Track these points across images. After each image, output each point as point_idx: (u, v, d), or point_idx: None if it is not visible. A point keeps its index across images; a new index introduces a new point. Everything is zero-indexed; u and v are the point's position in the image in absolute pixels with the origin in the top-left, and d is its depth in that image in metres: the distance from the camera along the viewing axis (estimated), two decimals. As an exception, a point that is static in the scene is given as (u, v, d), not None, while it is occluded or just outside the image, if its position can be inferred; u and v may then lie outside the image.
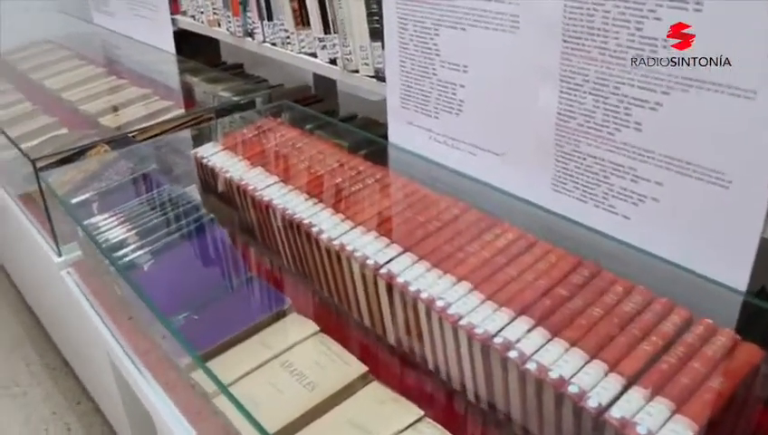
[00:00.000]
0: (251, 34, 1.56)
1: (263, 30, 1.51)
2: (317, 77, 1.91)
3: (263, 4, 1.47)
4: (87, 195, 1.31)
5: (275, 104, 1.50)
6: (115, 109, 1.86)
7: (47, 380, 2.15)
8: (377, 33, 1.19)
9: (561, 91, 0.93)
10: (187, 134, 1.57)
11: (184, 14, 1.88)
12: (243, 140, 1.33)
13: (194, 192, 1.32)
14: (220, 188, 1.23)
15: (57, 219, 1.32)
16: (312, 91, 1.79)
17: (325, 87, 1.91)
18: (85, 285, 1.28)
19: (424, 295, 0.86)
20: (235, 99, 1.69)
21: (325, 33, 1.31)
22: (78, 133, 1.70)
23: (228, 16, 1.60)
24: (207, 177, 1.28)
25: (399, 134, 1.22)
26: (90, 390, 2.01)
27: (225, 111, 1.62)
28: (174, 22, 1.93)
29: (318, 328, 1.01)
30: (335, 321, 1.03)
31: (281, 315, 1.05)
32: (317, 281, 1.07)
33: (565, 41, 0.90)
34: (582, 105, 0.91)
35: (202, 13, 1.74)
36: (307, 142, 1.28)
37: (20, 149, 1.38)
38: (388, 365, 0.96)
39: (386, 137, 1.32)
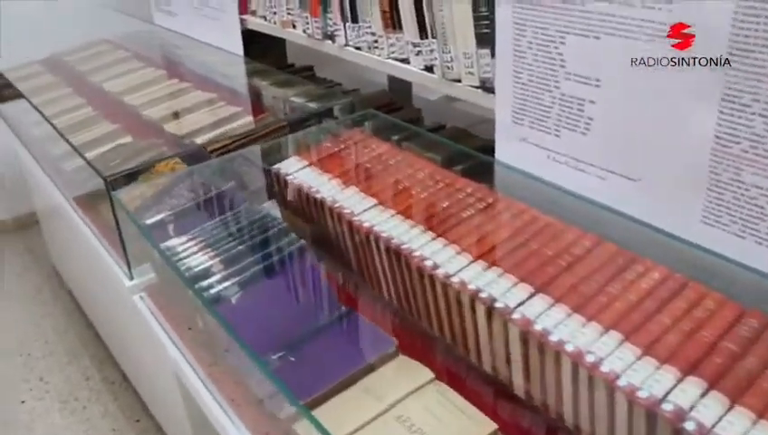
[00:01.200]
0: (331, 37, 1.46)
1: (345, 33, 1.40)
2: (391, 79, 1.80)
3: (347, 5, 1.36)
4: (161, 214, 1.22)
5: (360, 114, 1.38)
6: (179, 114, 1.77)
7: (106, 394, 2.08)
8: (485, 40, 1.08)
9: (722, 112, 0.81)
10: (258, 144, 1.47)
11: (253, 14, 1.78)
12: (328, 154, 1.23)
13: (274, 212, 1.22)
14: (307, 209, 1.13)
15: (126, 236, 1.23)
16: (389, 96, 1.68)
17: (400, 90, 1.81)
18: (159, 311, 1.19)
19: (569, 348, 0.75)
20: (311, 105, 1.58)
21: (421, 38, 1.20)
22: (143, 142, 1.62)
23: (305, 17, 1.50)
24: (291, 196, 1.17)
25: (510, 152, 1.11)
26: (151, 408, 1.93)
27: (301, 120, 1.52)
28: (242, 22, 1.82)
29: (432, 375, 0.90)
30: (451, 367, 0.93)
31: (386, 359, 0.94)
32: (426, 320, 0.96)
33: (732, 54, 0.78)
34: (750, 129, 0.79)
35: (275, 13, 1.63)
36: (401, 159, 1.17)
37: (92, 166, 1.30)
38: (517, 422, 0.85)
39: (483, 151, 1.22)
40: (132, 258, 1.25)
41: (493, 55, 1.08)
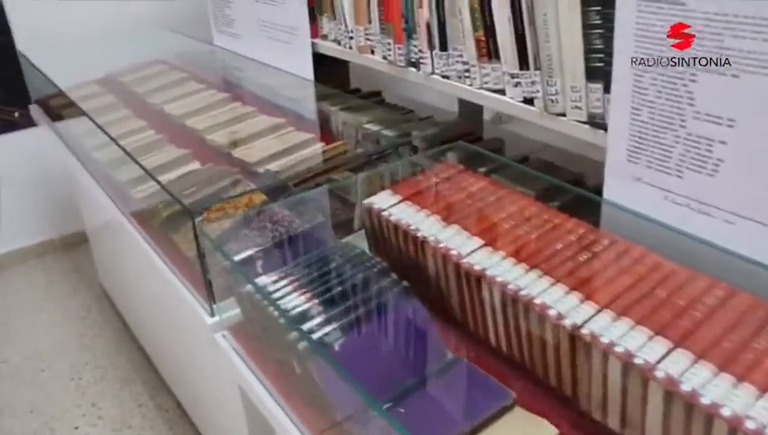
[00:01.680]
0: (415, 64, 1.42)
1: (432, 60, 1.36)
2: (462, 104, 1.77)
3: (435, 33, 1.33)
4: (245, 248, 1.18)
5: (449, 145, 1.34)
6: (246, 140, 1.74)
7: (161, 423, 2.05)
8: (597, 73, 1.04)
9: None
10: (337, 174, 1.44)
11: (324, 38, 1.75)
12: (422, 188, 1.19)
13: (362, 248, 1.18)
14: (403, 248, 1.09)
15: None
16: (466, 125, 1.64)
17: (470, 116, 1.77)
18: (245, 351, 1.15)
19: (726, 413, 0.70)
20: (387, 133, 1.55)
21: (521, 69, 1.16)
22: (213, 169, 1.58)
23: (387, 44, 1.46)
24: (384, 232, 1.14)
25: (622, 191, 1.06)
26: (210, 441, 1.90)
27: (380, 150, 1.48)
28: (312, 46, 1.79)
29: (556, 430, 0.85)
30: (575, 423, 0.88)
31: (503, 412, 0.89)
32: (542, 370, 0.91)
33: None
34: None
35: (351, 38, 1.60)
36: (502, 195, 1.13)
37: (174, 196, 1.27)
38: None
39: (577, 184, 1.18)
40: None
41: (606, 90, 1.03)
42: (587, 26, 1.03)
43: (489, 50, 1.23)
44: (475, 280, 0.96)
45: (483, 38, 1.23)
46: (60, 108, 2.25)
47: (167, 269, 1.39)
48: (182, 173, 1.59)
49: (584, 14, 1.03)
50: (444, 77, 1.36)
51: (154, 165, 1.65)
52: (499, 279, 0.93)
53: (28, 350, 2.46)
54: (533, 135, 1.62)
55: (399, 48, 1.43)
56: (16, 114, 2.76)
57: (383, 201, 1.16)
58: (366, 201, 1.18)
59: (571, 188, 1.19)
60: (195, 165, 1.67)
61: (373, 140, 1.60)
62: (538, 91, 1.15)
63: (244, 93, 2.05)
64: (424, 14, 1.34)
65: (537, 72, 1.14)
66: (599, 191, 1.12)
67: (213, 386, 1.51)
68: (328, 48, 1.73)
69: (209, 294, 1.20)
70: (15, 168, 2.85)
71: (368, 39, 1.55)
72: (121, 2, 2.77)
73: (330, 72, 1.92)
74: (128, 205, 1.65)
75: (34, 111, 2.47)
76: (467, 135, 1.55)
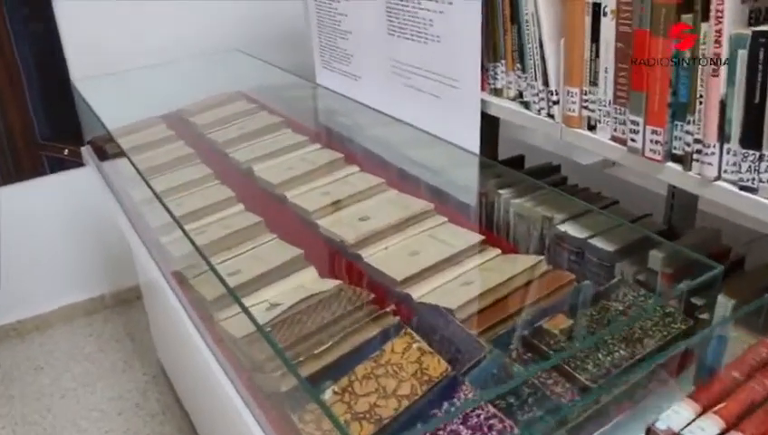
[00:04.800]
0: (682, 160, 0.92)
1: (720, 160, 0.86)
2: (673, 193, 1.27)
3: (734, 118, 0.84)
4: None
5: (755, 305, 0.84)
6: (379, 235, 1.25)
7: None
8: None
9: None
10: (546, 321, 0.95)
11: (497, 93, 1.25)
12: (749, 401, 0.70)
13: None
14: None
15: None
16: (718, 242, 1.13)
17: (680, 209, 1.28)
18: None
19: None
20: (600, 246, 1.06)
21: None
22: (351, 299, 1.10)
23: (631, 122, 0.96)
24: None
25: None
26: None
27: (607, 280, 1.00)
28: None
29: None
30: None
31: None
32: None
33: None
34: None
35: (554, 102, 1.10)
36: None
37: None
38: None
39: None
40: None
41: None
42: None
43: None
44: None
45: None
46: (115, 156, 1.80)
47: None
48: (299, 296, 1.10)
49: None
50: (744, 189, 0.85)
51: (254, 274, 1.18)
52: None
53: (71, 450, 2.04)
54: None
55: (656, 132, 0.93)
56: (66, 151, 2.35)
57: (687, 429, 0.68)
58: (658, 427, 0.69)
59: None
60: (311, 274, 1.20)
61: (573, 252, 1.11)
62: None
63: (362, 155, 1.56)
64: (717, 87, 0.84)
65: None
66: None
67: None
68: (505, 110, 1.22)
69: None
70: (63, 211, 2.48)
71: (586, 108, 1.05)
72: (193, 20, 2.32)
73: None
74: (208, 327, 1.16)
75: (86, 153, 2.03)
76: (721, 255, 1.04)
